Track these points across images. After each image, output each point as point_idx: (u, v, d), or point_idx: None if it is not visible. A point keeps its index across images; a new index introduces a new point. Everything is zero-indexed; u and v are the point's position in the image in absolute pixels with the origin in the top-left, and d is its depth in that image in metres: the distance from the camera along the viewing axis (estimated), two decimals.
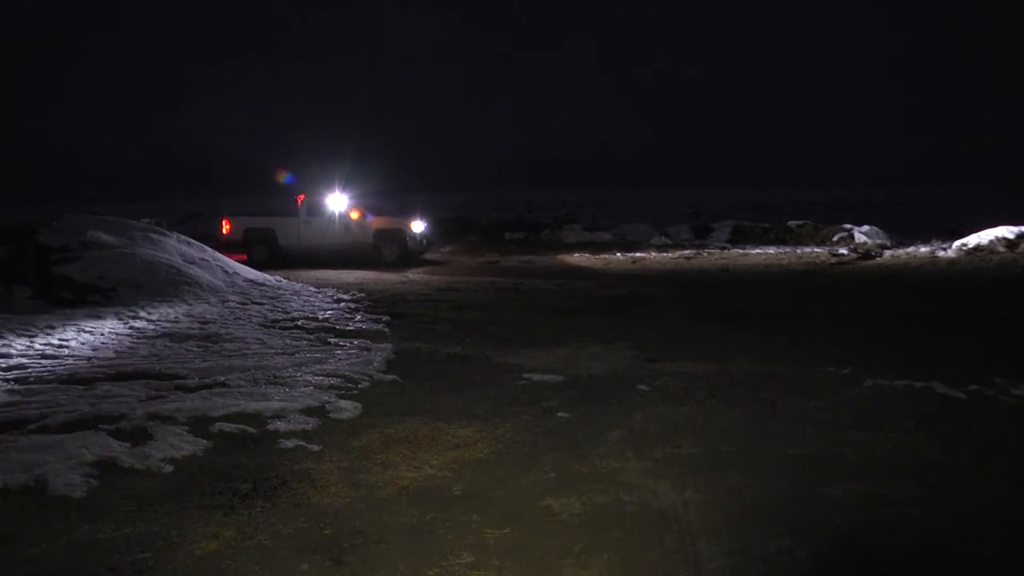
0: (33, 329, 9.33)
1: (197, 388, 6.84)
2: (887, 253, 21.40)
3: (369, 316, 11.23)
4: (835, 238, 26.08)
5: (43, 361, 7.95)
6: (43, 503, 4.37)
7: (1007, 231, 20.18)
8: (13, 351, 8.32)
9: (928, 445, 5.48)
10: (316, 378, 7.23)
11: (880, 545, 3.97)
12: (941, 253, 20.48)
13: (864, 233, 25.67)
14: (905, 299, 13.57)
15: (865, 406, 6.47)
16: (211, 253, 15.68)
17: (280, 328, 10.19)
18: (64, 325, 9.72)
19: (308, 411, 6.16)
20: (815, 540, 3.99)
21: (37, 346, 8.59)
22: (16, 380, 7.10)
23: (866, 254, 21.07)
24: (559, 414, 6.25)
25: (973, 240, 20.43)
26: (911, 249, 22.03)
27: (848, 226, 26.97)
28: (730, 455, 5.25)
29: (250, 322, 10.60)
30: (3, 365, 7.71)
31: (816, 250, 23.50)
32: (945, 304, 12.96)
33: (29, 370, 7.53)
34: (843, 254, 21.47)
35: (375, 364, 7.92)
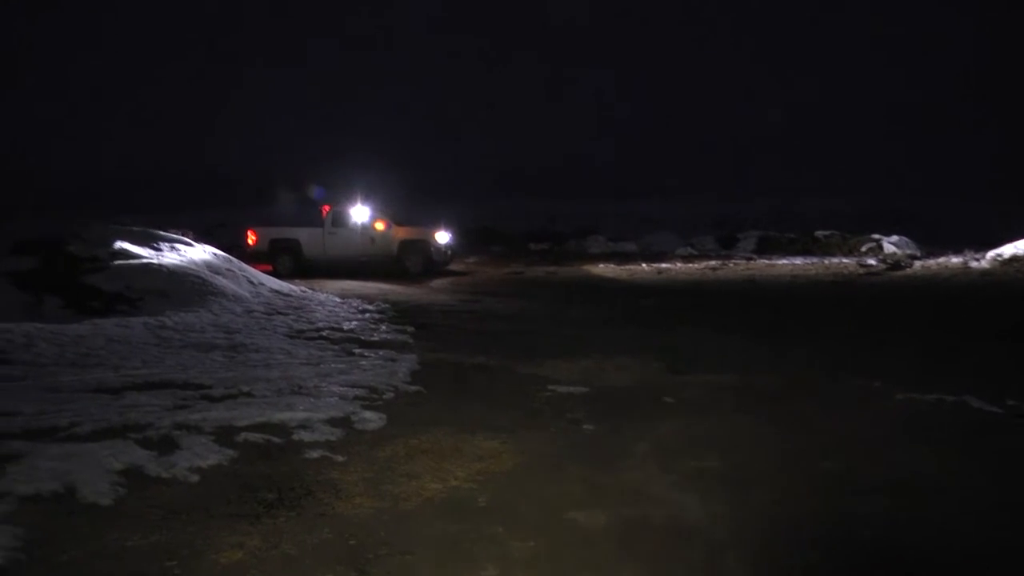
0: (63, 338, 9.41)
1: (223, 398, 6.87)
2: (917, 264, 21.18)
3: (394, 327, 11.26)
4: (863, 248, 25.90)
5: (73, 370, 8.02)
6: (72, 510, 4.39)
7: None
8: (44, 359, 8.40)
9: (962, 462, 5.39)
10: (341, 388, 7.24)
11: (912, 564, 3.91)
12: (974, 264, 20.18)
13: (893, 243, 25.47)
14: (937, 311, 13.42)
15: (896, 421, 6.38)
16: (236, 263, 15.79)
17: (305, 338, 10.23)
18: (93, 334, 9.80)
19: (333, 421, 6.16)
20: (844, 557, 3.94)
21: (67, 355, 8.66)
22: (47, 388, 7.17)
23: (895, 265, 20.87)
24: (584, 426, 6.22)
25: (1009, 250, 20.04)
26: (942, 260, 21.77)
27: (876, 236, 26.78)
28: (757, 469, 5.20)
29: (275, 332, 10.66)
30: (35, 373, 7.79)
31: (844, 261, 23.32)
32: (979, 316, 12.79)
33: (59, 378, 7.59)
34: (872, 265, 21.29)
35: (400, 375, 7.93)
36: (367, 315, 12.55)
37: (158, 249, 14.64)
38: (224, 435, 5.73)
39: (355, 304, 13.93)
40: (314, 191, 24.38)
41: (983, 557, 3.95)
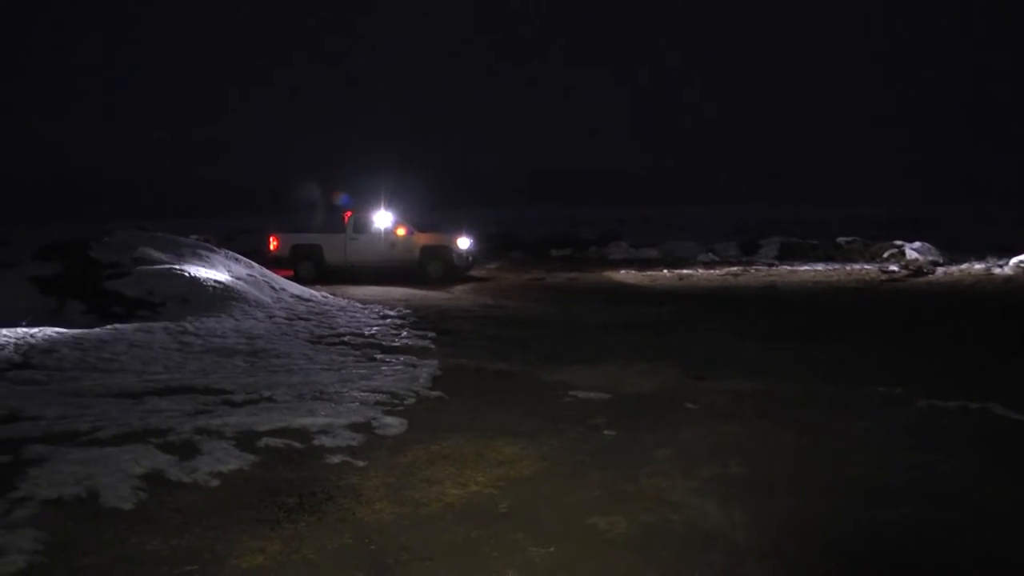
0: (86, 343, 9.49)
1: (244, 403, 6.90)
2: (939, 270, 20.94)
3: (415, 332, 11.26)
4: (885, 255, 25.63)
5: (95, 374, 8.08)
6: (94, 514, 4.42)
7: None
8: (67, 364, 8.47)
9: (985, 469, 5.32)
10: (362, 394, 7.25)
11: (934, 572, 3.85)
12: (997, 270, 19.93)
13: (915, 250, 25.19)
14: (959, 317, 13.27)
15: (918, 428, 6.31)
16: (258, 269, 15.85)
17: (326, 344, 10.25)
18: (115, 339, 9.87)
19: (354, 427, 6.17)
20: (866, 564, 3.89)
21: (89, 359, 8.73)
22: (70, 392, 7.22)
23: (918, 271, 20.66)
24: (605, 432, 6.20)
25: None
26: (965, 266, 21.50)
27: (899, 243, 26.50)
28: (779, 475, 5.15)
29: (296, 338, 10.69)
30: (57, 377, 7.86)
31: (866, 267, 23.10)
32: (1002, 323, 12.65)
33: (82, 383, 7.65)
34: (894, 271, 21.08)
35: (421, 380, 7.93)
36: (388, 320, 12.56)
37: (180, 255, 14.73)
38: (245, 440, 5.76)
39: (376, 309, 13.95)
40: (340, 198, 24.39)
41: (1006, 564, 3.90)
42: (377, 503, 4.65)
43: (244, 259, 16.17)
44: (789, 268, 23.62)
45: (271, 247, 21.16)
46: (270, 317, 12.37)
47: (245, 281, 14.36)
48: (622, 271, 23.51)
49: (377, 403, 6.95)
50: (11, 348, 8.99)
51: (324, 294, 15.83)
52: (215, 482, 4.99)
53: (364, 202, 21.89)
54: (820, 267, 23.74)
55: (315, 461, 5.44)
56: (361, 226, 21.09)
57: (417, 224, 21.50)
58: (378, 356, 9.37)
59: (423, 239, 21.06)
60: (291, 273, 19.28)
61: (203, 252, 15.39)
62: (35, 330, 9.93)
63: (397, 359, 9.16)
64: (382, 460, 5.47)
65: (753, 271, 22.81)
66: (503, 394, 7.52)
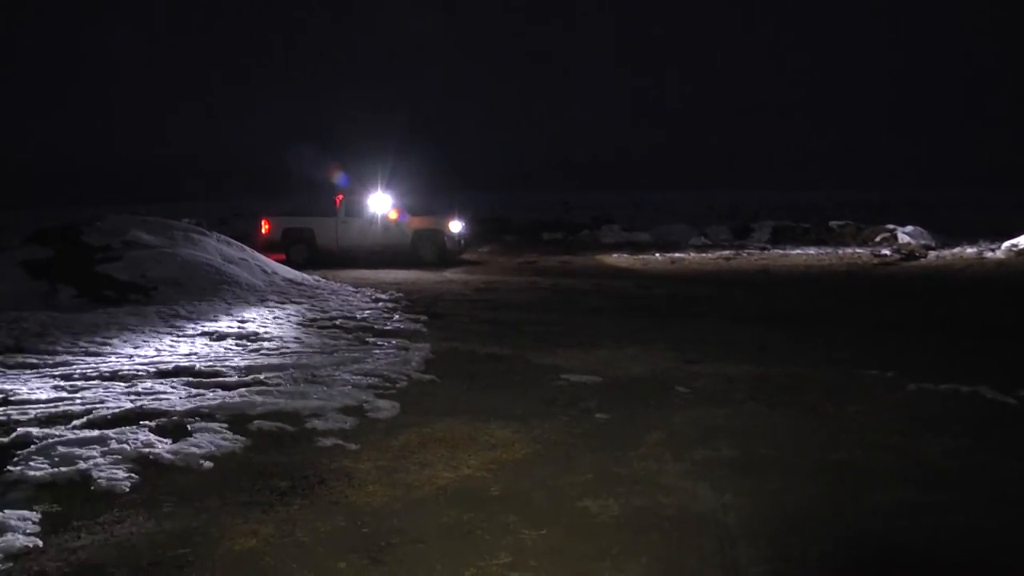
0: (77, 327, 9.47)
1: (236, 386, 6.90)
2: (932, 254, 21.02)
3: (407, 316, 11.26)
4: (878, 239, 25.69)
5: (87, 358, 8.07)
6: (87, 496, 4.43)
7: None
8: (59, 348, 8.46)
9: (976, 452, 5.35)
10: (354, 377, 7.25)
11: (924, 554, 3.88)
12: (989, 254, 20.01)
13: (908, 234, 25.25)
14: (951, 301, 13.32)
15: (909, 411, 6.34)
16: (250, 253, 15.81)
17: (318, 327, 10.25)
18: (107, 323, 9.86)
19: (346, 410, 6.18)
20: (857, 547, 3.92)
21: (81, 343, 8.72)
22: (62, 376, 7.22)
23: (910, 255, 20.72)
24: (597, 415, 6.21)
25: None
26: (957, 250, 21.57)
27: (891, 226, 26.56)
28: (770, 459, 5.18)
29: (288, 321, 10.69)
30: (49, 361, 7.85)
31: (858, 251, 23.17)
32: (994, 307, 12.70)
33: (74, 367, 7.64)
34: (886, 255, 21.14)
35: (413, 364, 7.93)
36: (380, 304, 12.56)
37: (172, 239, 14.68)
38: (237, 423, 5.76)
39: (368, 293, 13.94)
40: (338, 178, 24.22)
41: (997, 547, 3.93)
42: (369, 486, 4.66)
43: (236, 243, 16.12)
44: (781, 252, 23.68)
45: (263, 231, 21.11)
46: (262, 300, 12.36)
47: (237, 264, 14.34)
48: (614, 255, 23.53)
49: (369, 386, 6.96)
50: (3, 332, 8.97)
51: (316, 278, 15.83)
52: (208, 465, 4.99)
53: (357, 185, 21.84)
54: (812, 251, 23.80)
55: (307, 444, 5.45)
56: (353, 210, 21.05)
57: (409, 207, 21.46)
58: (370, 339, 9.37)
59: (415, 223, 21.03)
60: (283, 257, 19.25)
61: (195, 236, 15.33)
62: (27, 314, 9.91)
63: (389, 342, 9.16)
64: (374, 443, 5.48)
65: (745, 255, 22.85)
66: (495, 377, 7.53)
